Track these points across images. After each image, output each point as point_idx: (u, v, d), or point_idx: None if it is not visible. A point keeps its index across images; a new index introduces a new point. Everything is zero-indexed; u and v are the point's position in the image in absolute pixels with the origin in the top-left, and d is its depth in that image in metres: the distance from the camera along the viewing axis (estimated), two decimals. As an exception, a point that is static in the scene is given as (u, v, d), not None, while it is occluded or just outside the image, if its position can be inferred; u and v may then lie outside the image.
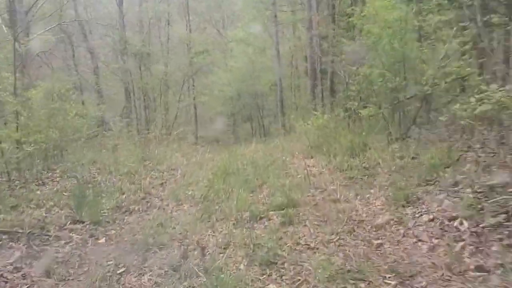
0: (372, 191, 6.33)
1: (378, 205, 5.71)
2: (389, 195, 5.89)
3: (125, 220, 6.63)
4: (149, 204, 7.54)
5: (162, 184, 9.21)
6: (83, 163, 10.53)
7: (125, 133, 14.16)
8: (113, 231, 6.06)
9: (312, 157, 9.73)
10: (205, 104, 31.38)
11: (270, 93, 24.57)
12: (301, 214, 5.73)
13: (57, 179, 9.23)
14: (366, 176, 7.09)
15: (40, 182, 8.74)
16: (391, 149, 7.95)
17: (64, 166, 9.99)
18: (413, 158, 7.20)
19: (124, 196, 7.94)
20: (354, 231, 5.00)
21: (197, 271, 4.28)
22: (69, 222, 6.28)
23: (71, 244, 5.55)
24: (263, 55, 25.74)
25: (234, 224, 5.67)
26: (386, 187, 6.26)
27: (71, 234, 5.89)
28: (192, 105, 21.83)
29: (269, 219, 5.70)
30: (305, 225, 5.30)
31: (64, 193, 7.84)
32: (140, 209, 7.16)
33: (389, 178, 6.65)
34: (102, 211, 6.89)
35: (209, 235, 5.36)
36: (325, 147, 9.62)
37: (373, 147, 8.58)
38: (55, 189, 8.30)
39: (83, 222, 6.32)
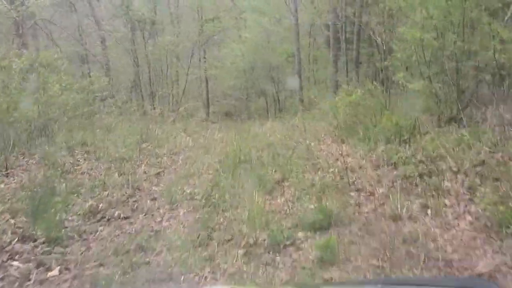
0: (447, 201, 4.21)
1: (467, 230, 3.61)
2: (480, 211, 3.78)
3: (97, 234, 4.66)
4: (135, 205, 5.56)
5: (158, 174, 7.22)
6: (70, 146, 8.60)
7: (127, 109, 12.12)
8: (73, 256, 4.10)
9: (343, 142, 7.61)
10: (217, 77, 29.25)
11: (287, 65, 22.19)
12: (346, 241, 3.67)
13: (32, 167, 7.32)
14: (429, 176, 4.95)
15: (6, 172, 6.81)
16: (455, 136, 5.78)
17: (44, 151, 8.05)
18: (490, 150, 5.05)
19: (106, 192, 5.97)
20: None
21: None
22: (15, 240, 4.34)
23: (2, 283, 3.61)
24: (279, 25, 23.27)
25: (244, 254, 3.66)
26: (468, 197, 4.15)
27: (10, 262, 3.95)
28: (203, 78, 19.67)
29: (298, 249, 3.67)
30: (358, 265, 3.25)
31: (29, 190, 5.89)
32: (122, 215, 5.17)
33: (465, 180, 4.53)
34: (68, 219, 4.96)
35: (205, 276, 3.36)
36: (361, 130, 7.47)
37: (425, 131, 6.42)
38: (22, 182, 6.37)
39: (35, 240, 4.38)
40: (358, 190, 5.03)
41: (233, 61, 25.92)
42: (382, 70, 9.72)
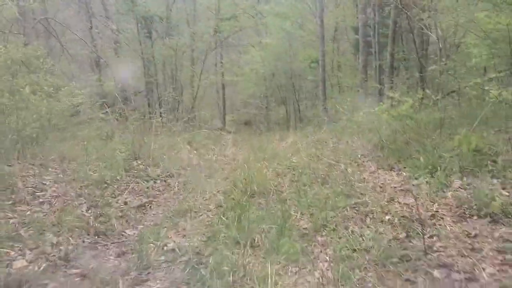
0: None
1: None
2: None
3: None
4: (84, 269, 3.54)
5: (142, 207, 5.21)
6: (43, 163, 6.71)
7: (127, 117, 10.21)
8: None
9: (392, 169, 5.44)
10: (235, 84, 27.34)
11: (309, 72, 20.08)
12: None
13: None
14: None
15: None
16: None
17: (8, 169, 6.15)
18: None
19: (56, 240, 4.00)
20: None
21: None
22: None
23: None
24: (301, 29, 21.25)
25: None
26: None
27: None
28: (220, 84, 17.79)
29: None
30: None
31: None
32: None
33: None
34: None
35: None
36: (417, 152, 5.31)
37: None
38: None
39: None
40: (443, 265, 2.89)
41: (253, 67, 24.20)
42: (441, 74, 7.55)
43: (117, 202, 5.27)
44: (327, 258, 3.19)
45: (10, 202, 4.92)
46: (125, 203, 5.28)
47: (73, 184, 5.75)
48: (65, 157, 7.15)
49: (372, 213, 3.91)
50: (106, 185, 5.84)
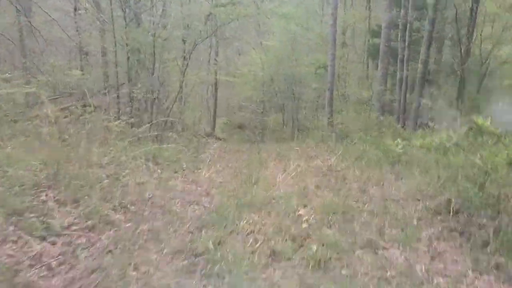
0: None
1: None
2: None
3: None
4: None
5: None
6: None
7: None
8: None
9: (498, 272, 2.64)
10: (231, 85, 24.52)
11: (312, 79, 17.28)
12: None
13: None
14: None
15: None
16: None
17: None
18: None
19: None
20: None
21: None
22: None
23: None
24: (307, 32, 18.47)
25: None
26: None
27: None
28: (212, 83, 15.02)
29: None
30: None
31: None
32: None
33: None
34: None
35: None
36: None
37: None
38: None
39: None
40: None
41: (251, 69, 21.46)
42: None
43: None
44: None
45: None
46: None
47: None
48: None
49: None
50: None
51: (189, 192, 5.32)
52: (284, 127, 19.41)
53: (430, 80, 9.15)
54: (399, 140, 5.28)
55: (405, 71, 8.54)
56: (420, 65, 8.31)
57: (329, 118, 11.27)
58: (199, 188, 5.65)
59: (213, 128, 15.52)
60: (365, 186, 4.87)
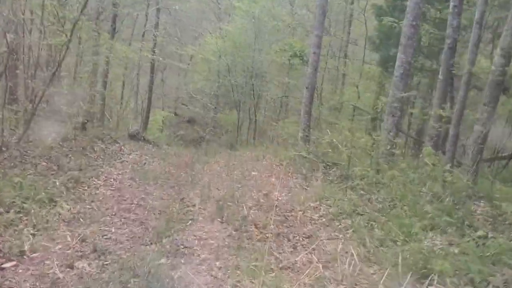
0: None
1: None
2: None
3: None
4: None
5: None
6: None
7: None
8: None
9: None
10: (182, 73, 19.76)
11: (279, 71, 13.05)
12: None
13: None
14: None
15: None
16: None
17: None
18: None
19: None
20: None
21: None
22: None
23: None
24: (272, 16, 14.10)
25: None
26: None
27: None
28: (144, 65, 10.41)
29: None
30: None
31: None
32: None
33: None
34: None
35: None
36: None
37: None
38: None
39: None
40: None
41: (205, 57, 16.97)
42: None
43: None
44: None
45: None
46: None
47: None
48: None
49: None
50: None
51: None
52: (239, 129, 15.07)
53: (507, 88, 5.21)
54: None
55: (468, 66, 4.46)
56: (498, 59, 4.29)
57: (304, 130, 7.03)
58: None
59: (145, 125, 10.80)
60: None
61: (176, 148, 10.32)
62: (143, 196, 4.61)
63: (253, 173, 6.64)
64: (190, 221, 3.62)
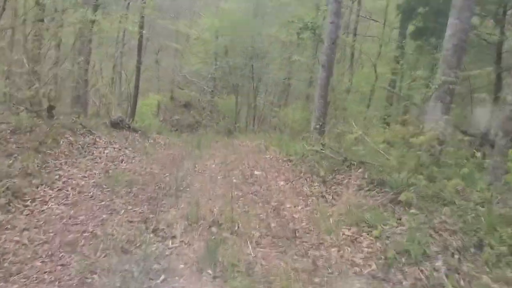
0: None
1: None
2: None
3: None
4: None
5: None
6: None
7: None
8: None
9: None
10: (178, 55, 18.00)
11: (283, 50, 11.42)
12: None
13: None
14: None
15: None
16: None
17: None
18: None
19: None
20: None
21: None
22: None
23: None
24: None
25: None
26: None
27: None
28: (130, 42, 8.74)
29: None
30: None
31: None
32: None
33: None
34: None
35: None
36: None
37: None
38: None
39: None
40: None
41: (202, 37, 15.44)
42: None
43: None
44: None
45: None
46: None
47: None
48: None
49: None
50: None
51: None
52: (237, 115, 13.55)
53: None
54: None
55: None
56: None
57: (319, 119, 5.52)
58: None
59: (132, 111, 9.23)
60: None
61: (167, 137, 8.83)
62: (104, 217, 3.15)
63: (256, 172, 5.18)
64: (162, 277, 2.16)
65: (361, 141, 4.46)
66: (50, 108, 6.00)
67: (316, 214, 3.39)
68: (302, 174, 4.85)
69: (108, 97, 8.46)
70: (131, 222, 3.04)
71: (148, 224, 2.95)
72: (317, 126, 5.56)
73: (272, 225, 3.01)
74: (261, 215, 3.31)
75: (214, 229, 2.83)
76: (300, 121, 7.74)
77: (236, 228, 2.87)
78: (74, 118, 6.61)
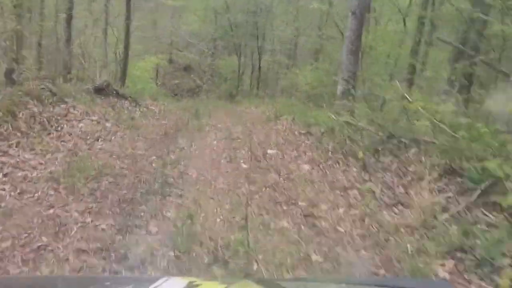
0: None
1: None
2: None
3: None
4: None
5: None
6: None
7: None
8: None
9: None
10: (176, 13, 16.11)
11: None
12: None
13: None
14: None
15: None
16: None
17: None
18: None
19: None
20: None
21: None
22: None
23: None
24: None
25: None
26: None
27: None
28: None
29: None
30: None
31: None
32: None
33: None
34: None
35: None
36: None
37: None
38: None
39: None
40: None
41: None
42: None
43: None
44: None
45: None
46: None
47: None
48: None
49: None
50: None
51: None
52: (240, 77, 12.10)
53: None
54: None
55: None
56: None
57: (348, 81, 4.18)
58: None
59: (122, 75, 7.81)
60: None
61: (163, 103, 7.51)
62: (42, 242, 1.92)
63: (269, 151, 3.93)
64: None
65: (415, 112, 3.14)
66: (9, 72, 4.65)
67: (372, 225, 2.16)
68: (330, 154, 3.60)
69: (92, 58, 7.04)
70: (82, 252, 1.82)
71: (108, 259, 1.73)
72: (346, 89, 4.21)
73: (313, 257, 1.77)
74: (289, 232, 2.08)
75: (217, 270, 1.61)
76: (315, 83, 6.37)
77: (255, 267, 1.64)
78: (46, 84, 5.25)
